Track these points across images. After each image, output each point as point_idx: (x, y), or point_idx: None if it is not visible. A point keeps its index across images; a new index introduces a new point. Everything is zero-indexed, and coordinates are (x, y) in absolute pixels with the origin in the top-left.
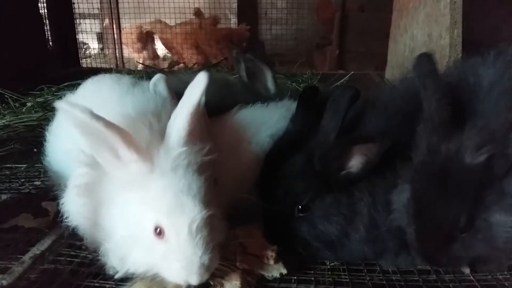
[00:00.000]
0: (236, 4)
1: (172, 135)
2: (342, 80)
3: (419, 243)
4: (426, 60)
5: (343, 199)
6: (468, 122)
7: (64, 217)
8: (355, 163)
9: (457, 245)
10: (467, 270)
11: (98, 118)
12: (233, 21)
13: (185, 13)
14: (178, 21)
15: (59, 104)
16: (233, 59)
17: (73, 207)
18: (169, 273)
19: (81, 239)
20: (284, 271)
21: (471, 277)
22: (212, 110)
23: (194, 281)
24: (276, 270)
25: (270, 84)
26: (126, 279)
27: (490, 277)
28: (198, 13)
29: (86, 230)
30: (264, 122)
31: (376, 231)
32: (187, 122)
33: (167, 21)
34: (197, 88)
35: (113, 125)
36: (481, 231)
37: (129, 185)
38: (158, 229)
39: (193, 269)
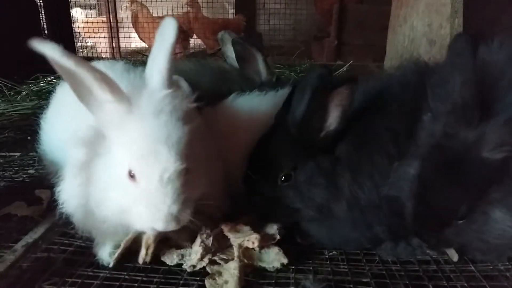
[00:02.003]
0: None
1: (154, 76)
2: (340, 70)
3: (415, 219)
4: (463, 39)
5: (326, 163)
6: (489, 113)
7: (60, 203)
8: (333, 118)
9: (450, 230)
10: (455, 257)
11: (68, 56)
12: (231, 12)
13: (182, 2)
14: (176, 12)
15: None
16: (220, 40)
17: (69, 191)
18: (137, 217)
19: (75, 227)
20: (285, 261)
21: (472, 268)
22: (208, 98)
23: (160, 227)
24: (276, 261)
25: (262, 68)
26: (120, 269)
27: (491, 267)
28: (191, 3)
29: (80, 216)
30: (261, 110)
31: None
32: (167, 61)
33: (165, 12)
34: (169, 28)
35: (85, 63)
36: (477, 222)
37: (107, 126)
38: (132, 172)
39: (160, 216)
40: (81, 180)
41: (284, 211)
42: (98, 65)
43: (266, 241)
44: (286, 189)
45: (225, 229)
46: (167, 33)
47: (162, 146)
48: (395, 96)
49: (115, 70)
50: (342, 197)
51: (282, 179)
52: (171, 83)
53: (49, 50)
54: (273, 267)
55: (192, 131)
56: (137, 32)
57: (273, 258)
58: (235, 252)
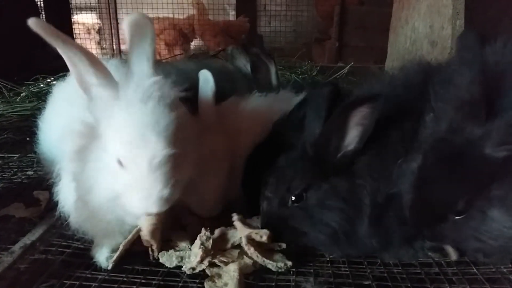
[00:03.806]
0: None
1: (140, 63)
2: (341, 72)
3: (412, 211)
4: (471, 36)
5: (342, 184)
6: (493, 111)
7: (58, 203)
8: (351, 137)
9: (447, 225)
10: (453, 256)
11: (57, 34)
12: (232, 14)
13: (183, 4)
14: (176, 14)
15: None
16: (228, 56)
17: (66, 188)
18: (130, 202)
19: (73, 229)
20: (290, 263)
21: (475, 270)
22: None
23: (154, 209)
24: (280, 262)
25: (274, 79)
26: (118, 271)
27: (494, 270)
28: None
29: (76, 214)
30: (263, 111)
31: (381, 217)
32: (152, 49)
33: (165, 14)
34: (144, 21)
35: (73, 44)
36: (475, 220)
37: (96, 111)
38: (121, 159)
39: (152, 200)
40: (76, 172)
41: (291, 232)
42: None
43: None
44: (296, 210)
45: (235, 218)
46: (145, 26)
47: (150, 132)
48: (401, 100)
49: (110, 65)
50: (364, 215)
51: (293, 199)
52: (156, 71)
53: (40, 28)
54: (277, 266)
55: (180, 117)
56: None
57: (277, 259)
58: (243, 241)
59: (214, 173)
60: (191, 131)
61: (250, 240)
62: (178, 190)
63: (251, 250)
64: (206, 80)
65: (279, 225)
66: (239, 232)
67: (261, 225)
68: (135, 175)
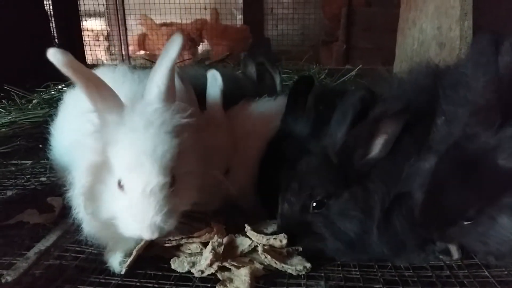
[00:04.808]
0: (241, 1)
1: (152, 90)
2: (349, 74)
3: (422, 213)
4: (486, 39)
5: (360, 192)
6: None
7: (72, 208)
8: (376, 145)
9: (455, 229)
10: (455, 255)
11: (69, 64)
12: (239, 18)
13: (190, 9)
14: (184, 20)
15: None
16: (241, 62)
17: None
18: (124, 225)
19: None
20: (309, 265)
21: (486, 273)
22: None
23: (145, 236)
24: (300, 265)
25: (278, 87)
26: (131, 276)
27: (506, 273)
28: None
29: (89, 227)
30: (272, 114)
31: (390, 226)
32: (166, 77)
33: (173, 19)
34: (174, 45)
35: (83, 73)
36: (483, 225)
37: (104, 133)
38: (121, 183)
39: (144, 226)
40: (85, 188)
41: (309, 237)
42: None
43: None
44: (317, 217)
45: (248, 228)
46: (171, 49)
47: (146, 159)
48: (411, 103)
49: (116, 72)
50: (374, 224)
51: (314, 205)
52: (169, 97)
53: (53, 57)
54: (296, 269)
55: (182, 143)
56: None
57: (296, 263)
58: (259, 250)
59: (213, 168)
60: (196, 154)
61: (266, 247)
62: (173, 218)
63: (268, 258)
64: (214, 78)
65: (298, 229)
66: (256, 240)
67: (278, 226)
68: (131, 199)
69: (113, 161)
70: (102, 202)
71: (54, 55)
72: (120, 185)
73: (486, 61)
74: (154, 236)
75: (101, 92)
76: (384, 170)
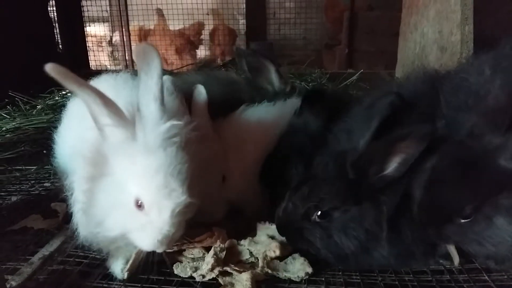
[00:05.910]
0: (244, 4)
1: (149, 105)
2: (351, 79)
3: (420, 208)
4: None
5: (370, 211)
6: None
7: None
8: (392, 163)
9: (452, 227)
10: (456, 259)
11: (71, 79)
12: (242, 22)
13: (193, 14)
14: (187, 23)
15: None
16: (235, 56)
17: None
18: (140, 240)
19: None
20: (310, 270)
21: (486, 277)
22: (218, 109)
23: (161, 249)
24: (302, 271)
25: (274, 78)
26: (134, 281)
27: (506, 277)
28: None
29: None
30: (271, 121)
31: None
32: (158, 89)
33: (176, 24)
34: (152, 56)
35: (87, 88)
36: (480, 225)
37: (110, 149)
38: (140, 202)
39: (162, 241)
40: (84, 202)
41: (303, 242)
42: (101, 80)
43: (286, 249)
44: (316, 226)
45: (245, 243)
46: (152, 61)
47: (174, 181)
48: (411, 108)
49: (117, 79)
50: (381, 240)
51: (318, 214)
52: (165, 110)
53: (55, 73)
54: (298, 276)
55: (190, 157)
56: None
57: (298, 268)
58: (260, 263)
59: (206, 180)
60: (197, 164)
61: (267, 259)
62: (183, 229)
63: (269, 271)
64: (199, 93)
65: (294, 233)
66: (255, 254)
67: (276, 223)
68: (154, 219)
69: (128, 179)
70: (110, 220)
71: (54, 70)
72: (138, 205)
73: (508, 63)
74: (169, 248)
75: (107, 107)
76: (396, 188)
